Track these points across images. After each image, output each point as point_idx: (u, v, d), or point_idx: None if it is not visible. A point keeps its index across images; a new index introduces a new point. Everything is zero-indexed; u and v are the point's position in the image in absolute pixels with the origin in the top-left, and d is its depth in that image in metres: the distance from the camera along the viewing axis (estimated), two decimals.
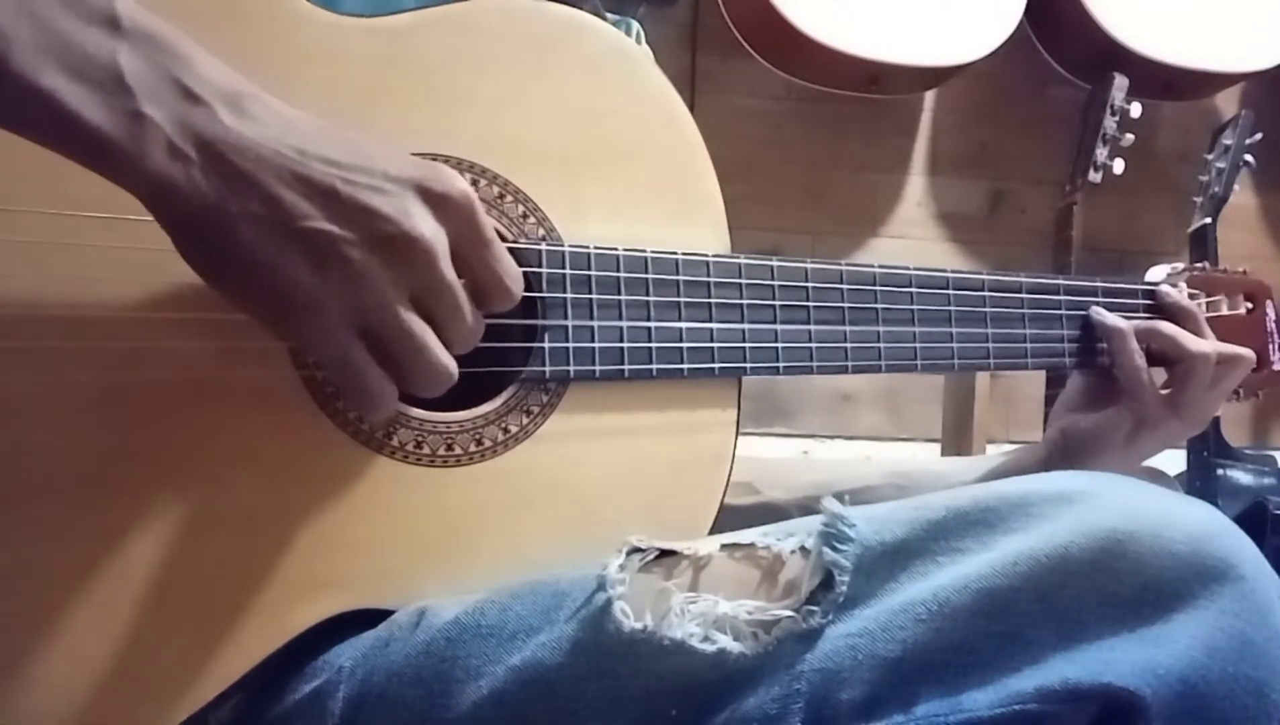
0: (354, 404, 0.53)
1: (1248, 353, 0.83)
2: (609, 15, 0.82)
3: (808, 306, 0.69)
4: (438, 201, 0.50)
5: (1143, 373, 0.80)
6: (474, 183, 0.61)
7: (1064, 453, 0.84)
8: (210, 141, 0.45)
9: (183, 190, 0.45)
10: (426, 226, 0.49)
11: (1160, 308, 0.83)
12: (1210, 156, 1.81)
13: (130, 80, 0.44)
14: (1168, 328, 0.81)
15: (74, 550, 0.50)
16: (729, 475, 0.66)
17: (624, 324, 0.63)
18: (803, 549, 0.53)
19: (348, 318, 0.49)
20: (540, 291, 0.61)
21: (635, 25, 0.86)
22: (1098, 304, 0.81)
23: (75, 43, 0.43)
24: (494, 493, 0.59)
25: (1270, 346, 0.91)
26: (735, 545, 0.55)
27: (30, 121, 0.44)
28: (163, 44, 0.45)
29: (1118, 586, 0.49)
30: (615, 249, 0.63)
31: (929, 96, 1.94)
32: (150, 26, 0.45)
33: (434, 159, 0.59)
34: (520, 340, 0.61)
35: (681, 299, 0.65)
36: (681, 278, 0.65)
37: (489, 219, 0.52)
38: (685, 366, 0.64)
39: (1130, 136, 1.71)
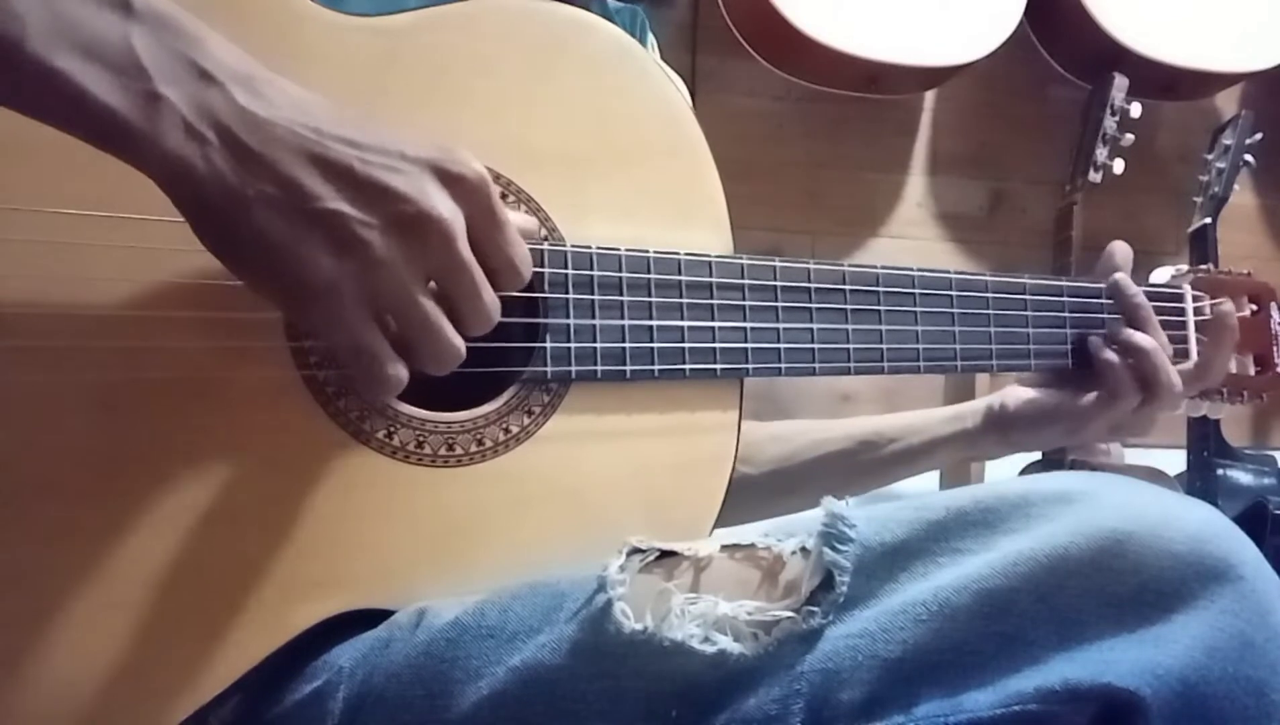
0: (364, 388, 0.53)
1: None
2: (615, 3, 0.82)
3: (810, 307, 0.69)
4: (454, 182, 0.50)
5: (1130, 388, 0.80)
6: None
7: (1000, 422, 0.85)
8: (226, 122, 0.45)
9: (199, 171, 0.45)
10: (444, 206, 0.49)
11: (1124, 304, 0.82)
12: (1210, 156, 1.81)
13: (145, 61, 0.44)
14: (1159, 357, 0.79)
15: (75, 550, 0.50)
16: (730, 476, 0.66)
17: (626, 324, 0.63)
18: (803, 549, 0.53)
19: (364, 300, 0.48)
20: (543, 292, 0.61)
21: (642, 14, 0.86)
22: (1099, 304, 0.82)
23: (89, 25, 0.43)
24: (495, 493, 0.59)
25: (1274, 349, 0.91)
26: (735, 546, 0.55)
27: (46, 104, 0.44)
28: (175, 26, 0.45)
29: (1118, 587, 0.50)
30: (618, 249, 0.63)
31: (929, 96, 1.94)
32: (162, 9, 0.45)
33: None
34: (522, 340, 0.61)
35: (684, 300, 0.65)
36: (684, 278, 0.65)
37: (501, 201, 0.52)
38: (687, 367, 0.64)
39: (1130, 136, 1.71)
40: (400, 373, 0.51)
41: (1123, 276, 0.82)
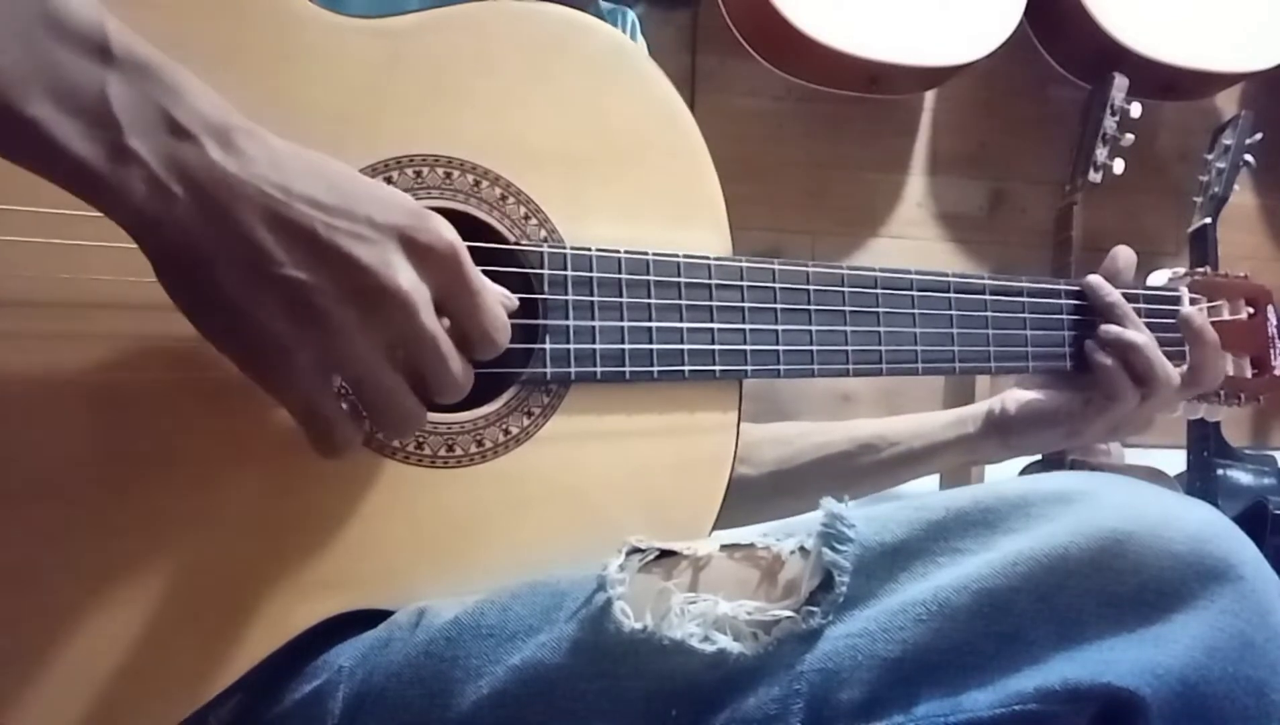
0: (315, 449, 0.51)
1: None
2: (605, 3, 0.82)
3: (809, 309, 0.69)
4: (421, 252, 0.49)
5: (1128, 390, 0.80)
6: (476, 184, 0.61)
7: (1000, 426, 0.86)
8: (195, 178, 0.45)
9: (163, 226, 0.45)
10: (405, 278, 0.48)
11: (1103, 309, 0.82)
12: (1210, 156, 1.81)
13: (117, 112, 0.43)
14: (1150, 350, 0.80)
15: (75, 550, 0.50)
16: (730, 477, 0.66)
17: (625, 325, 0.63)
18: (802, 549, 0.53)
19: (319, 367, 0.48)
20: (542, 293, 0.61)
21: (631, 15, 0.86)
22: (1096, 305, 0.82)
23: (64, 71, 0.43)
24: (495, 494, 0.59)
25: (1271, 351, 0.91)
26: (735, 545, 0.55)
27: (17, 150, 0.43)
28: (154, 74, 0.45)
29: (1118, 587, 0.50)
30: (617, 251, 0.63)
31: (929, 96, 1.94)
32: (142, 56, 0.45)
33: (436, 160, 0.60)
34: (521, 342, 0.61)
35: (683, 301, 0.65)
36: (683, 280, 0.65)
37: (475, 269, 0.52)
38: (686, 368, 0.65)
39: (1130, 136, 1.71)
40: (353, 439, 0.51)
41: (1095, 278, 0.82)
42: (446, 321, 0.51)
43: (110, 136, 0.43)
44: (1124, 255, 0.85)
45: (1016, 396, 0.86)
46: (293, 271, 0.46)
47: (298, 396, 0.49)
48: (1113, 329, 0.80)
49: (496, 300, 0.53)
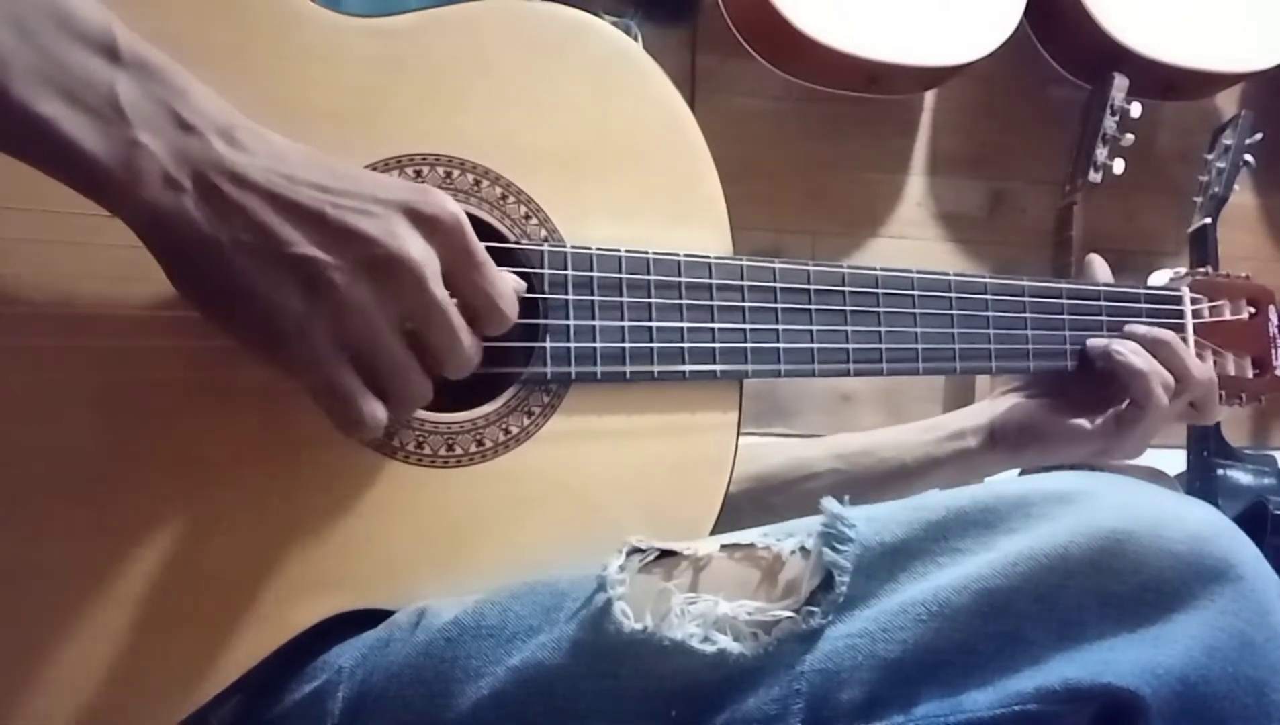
0: (341, 428, 0.52)
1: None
2: (608, 17, 0.82)
3: (809, 309, 0.69)
4: (427, 223, 0.50)
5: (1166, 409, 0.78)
6: (476, 183, 0.61)
7: (1012, 443, 0.83)
8: (204, 170, 0.46)
9: (176, 219, 0.45)
10: (414, 247, 0.49)
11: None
12: (1210, 156, 1.81)
13: (127, 109, 0.44)
14: (1179, 348, 0.79)
15: (75, 549, 0.50)
16: (730, 477, 0.66)
17: (626, 325, 0.63)
18: (803, 549, 0.53)
19: (335, 342, 0.49)
20: (542, 292, 0.61)
21: (633, 26, 0.86)
22: (1099, 306, 0.81)
23: (74, 71, 0.44)
24: (495, 493, 0.59)
25: (1272, 351, 0.91)
26: (735, 546, 0.55)
27: (28, 148, 0.44)
28: (159, 75, 0.46)
29: (1117, 586, 0.50)
30: (617, 250, 0.63)
31: (929, 96, 1.94)
32: (147, 57, 0.46)
33: (437, 160, 0.60)
34: (522, 341, 0.61)
35: (683, 301, 0.65)
36: (683, 279, 0.65)
37: (479, 243, 0.52)
38: (686, 368, 0.65)
39: (1130, 136, 1.71)
40: (377, 412, 0.51)
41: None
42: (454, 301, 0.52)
43: (122, 133, 0.44)
44: (1099, 265, 0.85)
45: (1020, 410, 0.83)
46: (305, 250, 0.47)
47: (317, 373, 0.50)
48: (1139, 328, 0.79)
49: (503, 273, 0.54)
